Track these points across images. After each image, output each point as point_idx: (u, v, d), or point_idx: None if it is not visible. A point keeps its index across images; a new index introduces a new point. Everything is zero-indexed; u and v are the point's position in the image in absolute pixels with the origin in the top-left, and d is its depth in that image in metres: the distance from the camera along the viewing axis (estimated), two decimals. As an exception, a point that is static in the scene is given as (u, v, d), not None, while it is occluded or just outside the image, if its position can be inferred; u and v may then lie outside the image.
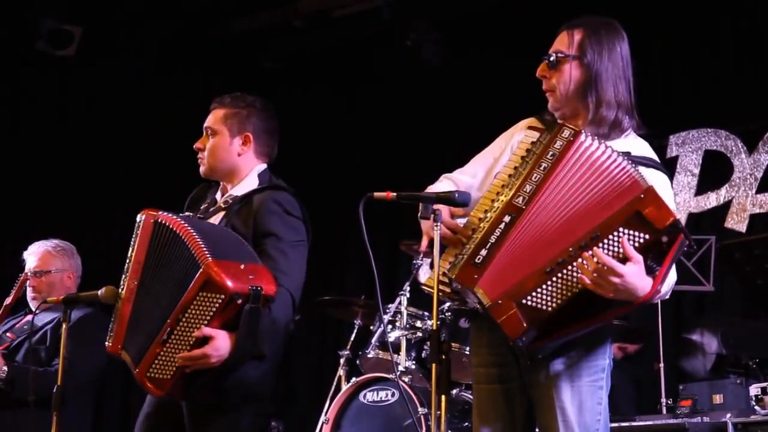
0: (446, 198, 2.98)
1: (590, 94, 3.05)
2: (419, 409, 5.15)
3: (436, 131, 7.47)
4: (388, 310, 5.69)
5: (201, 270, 3.18)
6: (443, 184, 3.19)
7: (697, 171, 6.67)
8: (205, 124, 3.74)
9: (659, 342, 5.58)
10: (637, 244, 2.76)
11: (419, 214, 3.12)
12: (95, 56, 7.56)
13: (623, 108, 3.07)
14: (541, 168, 2.88)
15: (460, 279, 2.88)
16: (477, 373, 3.13)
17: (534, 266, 2.80)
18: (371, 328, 5.98)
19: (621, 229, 2.76)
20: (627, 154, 2.94)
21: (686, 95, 6.77)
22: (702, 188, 6.62)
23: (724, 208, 6.51)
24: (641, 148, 3.07)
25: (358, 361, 5.89)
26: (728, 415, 4.84)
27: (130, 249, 3.44)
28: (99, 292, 3.53)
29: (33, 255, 5.05)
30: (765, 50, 6.51)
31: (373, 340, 5.78)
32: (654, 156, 3.07)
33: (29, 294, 4.98)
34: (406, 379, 5.46)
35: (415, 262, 5.96)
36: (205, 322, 3.19)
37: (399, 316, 5.70)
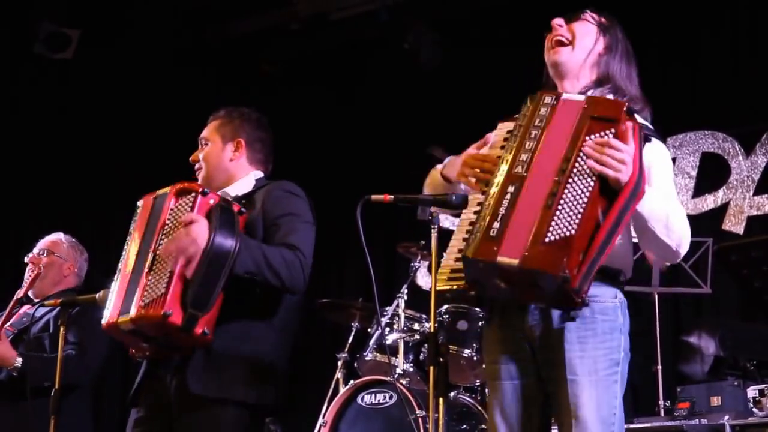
0: (443, 201, 2.98)
1: (602, 73, 3.10)
2: (417, 411, 5.14)
3: (435, 133, 7.47)
4: (385, 313, 5.69)
5: (171, 188, 3.39)
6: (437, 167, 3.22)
7: (694, 173, 6.68)
8: (202, 135, 3.81)
9: (657, 344, 5.59)
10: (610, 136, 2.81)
11: (417, 217, 3.12)
12: (93, 59, 7.56)
13: (629, 96, 3.09)
14: (533, 136, 2.89)
15: (481, 255, 2.78)
16: (492, 369, 3.09)
17: (536, 211, 2.78)
18: (369, 330, 5.98)
19: (588, 137, 2.80)
20: None
21: (683, 97, 6.78)
22: (699, 190, 6.63)
23: (721, 211, 6.51)
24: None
25: (355, 364, 5.89)
26: (726, 417, 4.84)
27: (129, 237, 3.47)
28: (96, 296, 3.54)
29: (44, 240, 5.12)
30: (762, 52, 6.52)
31: (371, 342, 5.78)
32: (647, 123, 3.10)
33: (26, 275, 5.00)
34: (404, 382, 5.46)
35: (412, 264, 5.97)
36: (180, 225, 3.29)
37: (397, 318, 5.70)
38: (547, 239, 2.74)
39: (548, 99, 2.94)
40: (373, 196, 3.01)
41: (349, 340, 6.12)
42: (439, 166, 3.24)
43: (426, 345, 5.63)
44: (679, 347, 5.95)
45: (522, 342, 2.99)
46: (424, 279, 6.84)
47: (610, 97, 3.06)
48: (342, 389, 5.64)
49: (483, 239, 2.79)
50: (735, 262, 4.90)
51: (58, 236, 5.16)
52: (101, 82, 7.70)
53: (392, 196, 3.01)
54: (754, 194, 6.45)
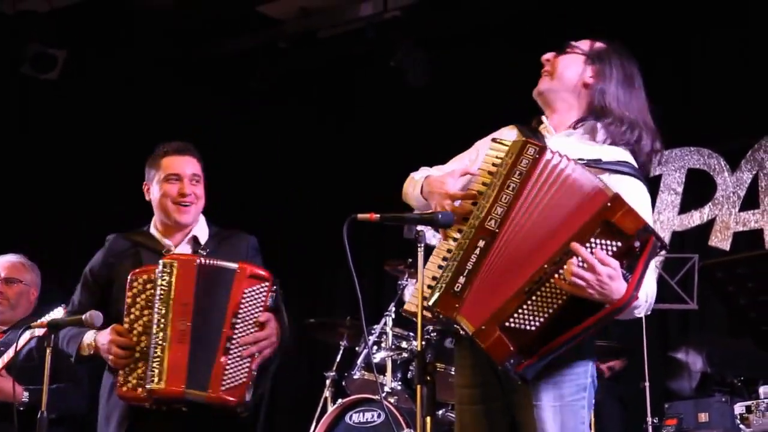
0: (429, 219, 2.98)
1: (597, 102, 3.07)
2: (405, 430, 5.14)
3: (423, 151, 7.45)
4: (373, 331, 5.69)
5: (237, 271, 3.49)
6: (420, 173, 3.25)
7: (680, 189, 6.69)
8: (193, 171, 3.82)
9: (644, 361, 5.59)
10: (610, 253, 2.77)
11: (403, 235, 3.13)
12: (79, 80, 7.55)
13: (628, 124, 3.08)
14: (510, 189, 2.86)
15: (441, 309, 2.86)
16: (460, 393, 3.12)
17: (512, 288, 2.80)
18: (357, 349, 5.98)
19: (593, 240, 2.77)
20: (597, 161, 2.95)
21: (669, 114, 6.77)
22: (685, 207, 6.64)
23: (707, 227, 6.53)
24: (620, 154, 3.05)
25: (343, 383, 5.88)
26: (713, 434, 4.85)
27: (157, 291, 3.50)
28: (83, 317, 3.53)
29: (4, 264, 5.08)
30: (747, 69, 6.55)
31: (359, 361, 5.78)
32: (631, 161, 3.06)
33: None
34: (392, 400, 5.45)
35: (400, 282, 5.97)
36: (258, 312, 3.51)
37: (384, 336, 5.70)
38: (507, 323, 2.78)
39: (531, 150, 2.88)
40: (360, 215, 3.01)
41: (337, 359, 6.11)
42: (416, 176, 3.23)
43: (414, 363, 5.65)
44: (667, 364, 5.95)
45: (488, 367, 2.98)
46: (407, 300, 6.82)
47: (605, 128, 3.04)
48: (330, 408, 5.63)
49: (446, 293, 2.86)
50: (720, 279, 4.91)
51: (18, 259, 5.11)
52: (86, 103, 7.69)
53: (378, 215, 3.01)
54: (740, 210, 6.46)
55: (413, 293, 2.96)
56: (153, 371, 3.43)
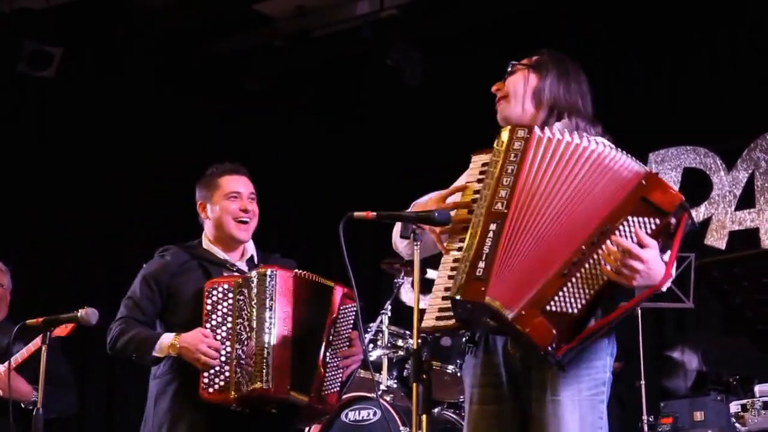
0: (426, 217, 2.97)
1: (544, 99, 3.07)
2: (401, 428, 5.14)
3: (418, 151, 7.49)
4: (369, 329, 5.68)
5: (334, 288, 3.74)
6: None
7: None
8: (251, 190, 4.03)
9: (640, 359, 5.59)
10: (649, 231, 2.75)
11: (399, 233, 3.12)
12: (75, 77, 7.55)
13: (582, 116, 3.07)
14: (509, 171, 2.82)
15: (468, 296, 2.73)
16: (471, 393, 3.09)
17: (548, 270, 2.74)
18: (353, 347, 5.97)
19: (630, 218, 2.74)
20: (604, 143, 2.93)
21: (665, 113, 6.81)
22: (681, 206, 6.64)
23: (703, 226, 6.53)
24: None
25: (340, 381, 5.87)
26: (709, 432, 4.86)
27: (252, 296, 3.66)
28: (78, 314, 3.54)
29: None
30: (743, 68, 6.56)
31: (355, 359, 5.77)
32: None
33: None
34: (388, 398, 5.45)
35: (396, 281, 5.96)
36: (349, 330, 3.77)
37: (380, 334, 5.69)
38: (548, 306, 2.73)
39: (520, 133, 2.86)
40: (356, 213, 3.00)
41: (333, 357, 6.10)
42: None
43: (410, 361, 5.65)
44: (663, 362, 5.95)
45: (500, 367, 2.97)
46: (407, 295, 6.82)
47: (564, 120, 3.04)
48: (326, 406, 5.62)
49: (468, 279, 2.74)
50: (716, 279, 4.92)
51: None
52: (83, 101, 7.68)
53: (375, 213, 3.00)
54: (736, 209, 6.47)
55: (428, 309, 2.87)
56: (260, 372, 3.56)
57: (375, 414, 5.35)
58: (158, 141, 7.79)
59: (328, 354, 3.66)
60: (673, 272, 2.83)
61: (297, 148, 8.08)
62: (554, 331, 2.71)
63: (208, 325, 3.64)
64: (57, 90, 7.59)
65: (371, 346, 5.70)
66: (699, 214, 6.58)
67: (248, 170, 4.07)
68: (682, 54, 6.82)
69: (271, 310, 3.62)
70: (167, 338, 3.70)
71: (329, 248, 7.45)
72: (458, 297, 2.74)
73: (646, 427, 5.34)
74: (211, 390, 3.59)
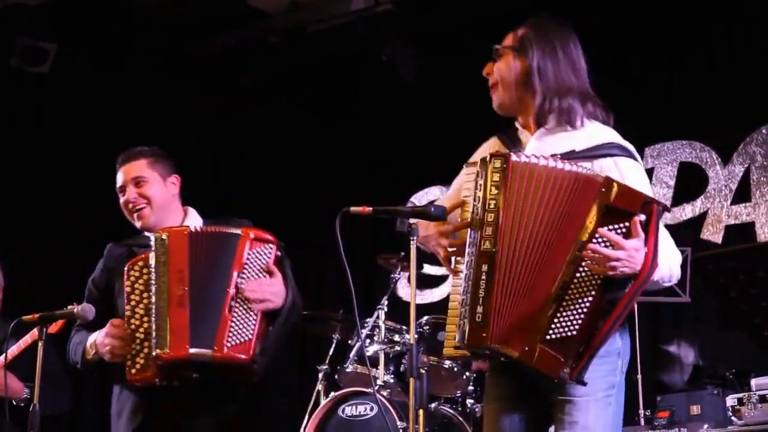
0: (421, 212, 2.98)
1: (534, 82, 3.05)
2: (398, 423, 5.14)
3: (414, 146, 7.48)
4: (366, 324, 5.69)
5: (240, 234, 3.54)
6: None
7: (672, 183, 6.70)
8: (134, 176, 3.90)
9: (637, 353, 5.59)
10: (621, 234, 2.78)
11: (396, 228, 3.12)
12: (70, 73, 7.53)
13: (574, 93, 3.06)
14: (492, 207, 2.84)
15: (473, 343, 2.82)
16: (488, 390, 3.13)
17: (540, 301, 2.78)
18: (349, 342, 5.98)
19: (600, 229, 2.77)
20: (570, 153, 2.94)
21: (661, 108, 6.81)
22: (677, 200, 6.65)
23: (699, 220, 6.54)
24: (599, 135, 3.04)
25: (336, 376, 5.88)
26: (705, 426, 4.86)
27: (153, 265, 3.53)
28: (75, 310, 3.53)
29: None
30: (739, 63, 6.56)
31: (352, 354, 5.77)
32: (616, 140, 3.04)
33: None
34: (385, 393, 5.45)
35: (392, 276, 5.97)
36: (263, 271, 3.55)
37: (377, 330, 5.69)
38: (548, 336, 2.77)
39: (498, 163, 2.86)
40: (352, 208, 3.00)
41: (330, 352, 6.10)
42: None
43: (406, 356, 5.65)
44: (659, 356, 5.96)
45: (519, 379, 2.98)
46: (404, 290, 6.83)
47: (553, 102, 3.03)
48: (323, 401, 5.62)
49: (471, 327, 2.81)
50: (712, 272, 4.92)
51: None
52: (77, 97, 7.67)
53: (371, 208, 3.01)
54: (732, 203, 6.47)
55: (447, 336, 2.94)
56: (155, 339, 3.44)
57: (372, 409, 5.35)
58: (154, 137, 7.73)
59: (233, 303, 3.48)
60: (660, 262, 2.83)
61: (292, 144, 8.07)
62: (561, 358, 2.77)
63: (128, 307, 3.56)
64: (52, 85, 7.58)
65: (368, 341, 5.71)
66: (695, 208, 6.58)
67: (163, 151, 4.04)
68: (678, 49, 6.81)
69: (164, 274, 3.51)
70: (90, 339, 3.66)
71: (325, 243, 7.47)
72: (465, 345, 2.84)
73: (642, 421, 5.34)
74: (133, 371, 3.51)
